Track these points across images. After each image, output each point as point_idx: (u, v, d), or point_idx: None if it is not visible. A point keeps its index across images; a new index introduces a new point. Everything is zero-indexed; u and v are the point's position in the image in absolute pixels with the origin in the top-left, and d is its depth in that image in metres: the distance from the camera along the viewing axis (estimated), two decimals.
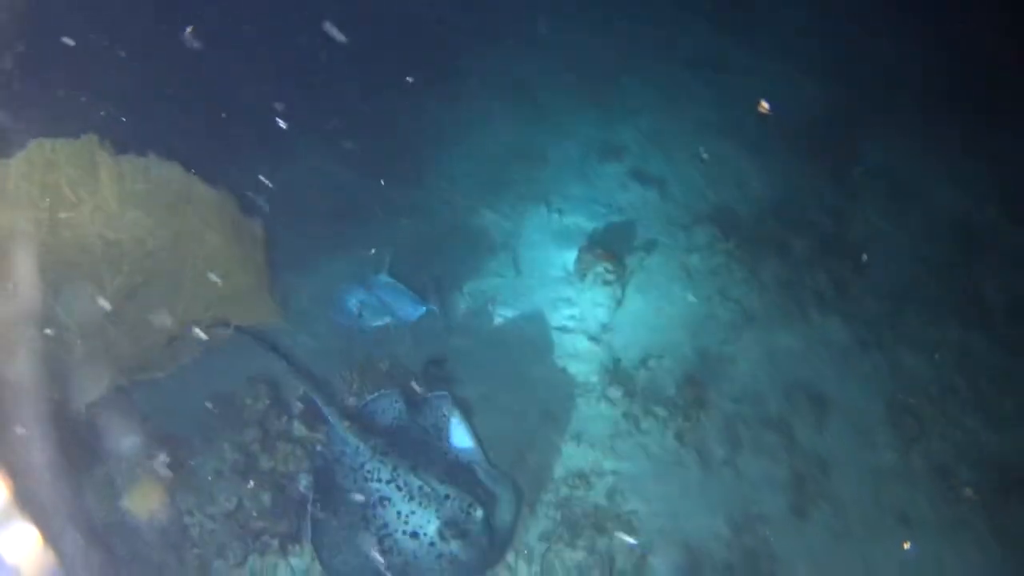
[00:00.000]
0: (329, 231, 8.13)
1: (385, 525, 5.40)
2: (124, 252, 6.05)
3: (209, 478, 5.89)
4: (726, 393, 6.83)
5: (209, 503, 5.81)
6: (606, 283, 7.31)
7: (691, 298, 7.40)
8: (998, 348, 7.58)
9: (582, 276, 7.47)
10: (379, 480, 5.55)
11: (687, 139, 9.64)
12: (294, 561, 5.73)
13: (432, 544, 5.28)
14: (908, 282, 8.01)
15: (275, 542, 5.74)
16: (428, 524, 5.32)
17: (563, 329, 7.32)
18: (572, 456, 6.46)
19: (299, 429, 6.26)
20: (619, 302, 7.40)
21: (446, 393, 6.20)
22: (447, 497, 5.37)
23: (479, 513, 5.30)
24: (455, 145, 9.56)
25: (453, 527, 5.26)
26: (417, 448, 5.84)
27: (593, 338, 7.19)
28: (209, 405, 6.35)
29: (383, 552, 5.29)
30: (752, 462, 6.50)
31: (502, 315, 7.49)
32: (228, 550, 5.67)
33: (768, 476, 6.45)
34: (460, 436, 6.05)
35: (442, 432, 6.05)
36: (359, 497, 5.54)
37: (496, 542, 5.45)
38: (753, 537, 6.13)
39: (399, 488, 5.47)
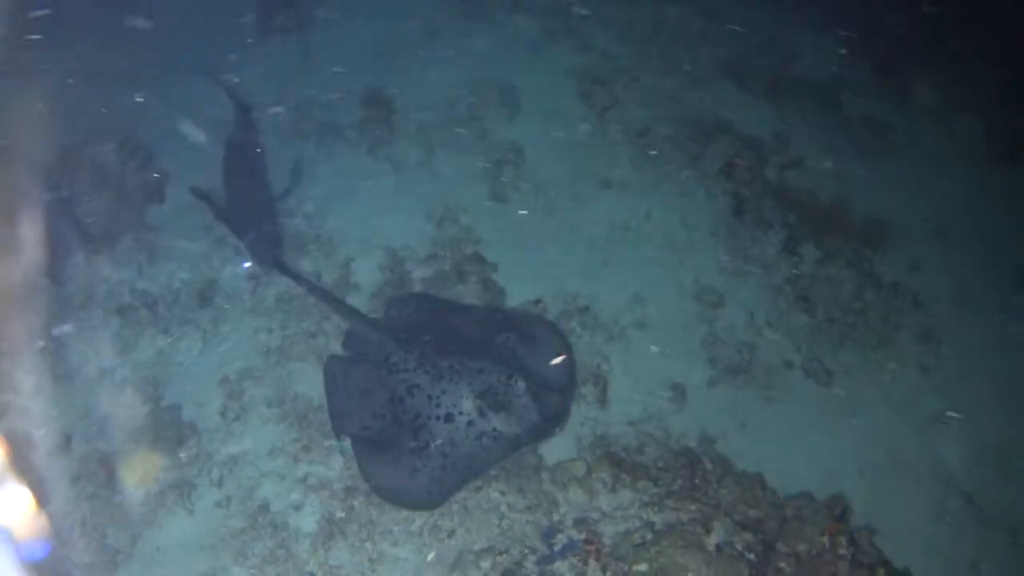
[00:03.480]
0: None
1: (417, 416, 4.63)
2: None
3: None
4: (416, 103, 6.86)
5: None
6: (287, 30, 7.11)
7: (376, 24, 7.27)
8: (693, 14, 7.71)
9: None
10: (405, 370, 4.80)
11: None
12: None
13: (471, 423, 4.55)
14: None
15: None
16: (462, 400, 4.60)
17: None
18: None
19: None
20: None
21: None
22: (481, 371, 4.63)
23: (520, 385, 4.55)
24: None
25: (491, 399, 4.56)
26: (445, 334, 5.11)
27: (273, 87, 7.07)
28: None
29: (418, 447, 4.54)
30: (447, 160, 6.60)
31: None
32: None
33: (464, 170, 6.57)
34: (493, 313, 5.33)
35: (472, 313, 5.33)
36: (383, 394, 4.81)
37: (548, 416, 4.65)
38: (456, 227, 6.27)
39: (427, 372, 4.72)
